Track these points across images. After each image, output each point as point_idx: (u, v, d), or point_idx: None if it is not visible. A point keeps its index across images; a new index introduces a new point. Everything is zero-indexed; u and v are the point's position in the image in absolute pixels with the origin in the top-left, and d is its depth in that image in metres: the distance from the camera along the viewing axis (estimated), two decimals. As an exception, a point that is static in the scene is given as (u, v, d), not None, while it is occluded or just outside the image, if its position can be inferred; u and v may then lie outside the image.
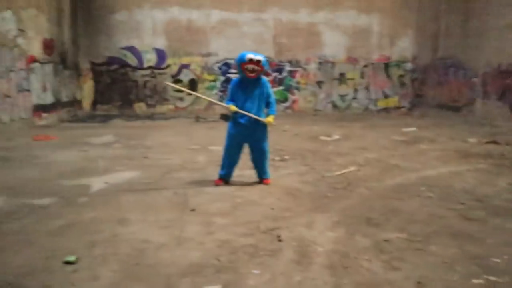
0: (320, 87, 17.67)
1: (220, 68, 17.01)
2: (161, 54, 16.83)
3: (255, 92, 5.62)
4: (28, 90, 12.15)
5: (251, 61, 5.42)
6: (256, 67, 5.45)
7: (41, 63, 12.95)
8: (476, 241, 3.86)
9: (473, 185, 5.81)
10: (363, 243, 3.79)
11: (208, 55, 16.96)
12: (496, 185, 5.83)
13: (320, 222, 4.33)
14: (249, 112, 5.55)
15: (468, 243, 3.81)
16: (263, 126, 5.66)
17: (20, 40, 11.64)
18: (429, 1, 16.67)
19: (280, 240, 3.82)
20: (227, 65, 16.65)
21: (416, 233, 4.02)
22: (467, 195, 5.32)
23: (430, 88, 16.81)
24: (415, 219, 4.45)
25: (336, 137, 10.39)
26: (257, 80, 5.62)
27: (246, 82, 5.62)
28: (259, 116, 5.61)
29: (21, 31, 11.66)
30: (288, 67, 17.42)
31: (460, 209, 4.78)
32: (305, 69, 17.54)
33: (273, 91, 15.65)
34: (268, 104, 5.73)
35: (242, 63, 5.47)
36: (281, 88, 17.45)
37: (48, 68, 13.44)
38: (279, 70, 17.39)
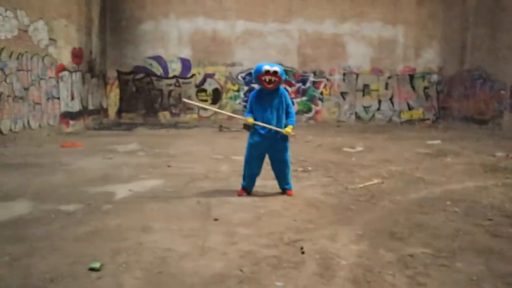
0: (344, 98, 17.60)
1: (244, 78, 17.12)
2: (186, 64, 17.04)
3: (274, 103, 5.64)
4: (57, 98, 12.45)
5: (267, 72, 5.45)
6: (273, 78, 5.47)
7: (70, 71, 13.26)
8: (504, 259, 3.76)
9: (500, 201, 5.67)
10: (387, 257, 3.74)
11: (233, 65, 17.11)
12: (525, 201, 5.68)
13: (344, 234, 4.29)
14: (269, 123, 5.57)
15: (496, 260, 3.71)
16: (284, 136, 5.66)
17: (51, 49, 11.95)
18: (455, 13, 16.49)
19: (303, 252, 3.79)
20: (251, 75, 16.72)
21: (441, 249, 3.95)
22: (494, 211, 5.20)
23: (456, 100, 16.56)
24: (440, 234, 4.37)
25: (360, 148, 10.31)
26: (276, 90, 5.64)
27: (264, 93, 5.65)
28: (279, 126, 5.61)
29: (52, 40, 11.97)
30: (312, 78, 17.41)
31: (487, 225, 4.67)
32: (329, 80, 17.50)
33: (297, 102, 15.76)
34: (287, 114, 5.73)
35: (259, 74, 5.51)
36: (304, 98, 17.45)
37: (76, 76, 13.75)
38: (303, 80, 17.40)
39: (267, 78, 5.47)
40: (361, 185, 6.41)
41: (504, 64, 13.54)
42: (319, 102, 17.56)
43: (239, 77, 17.20)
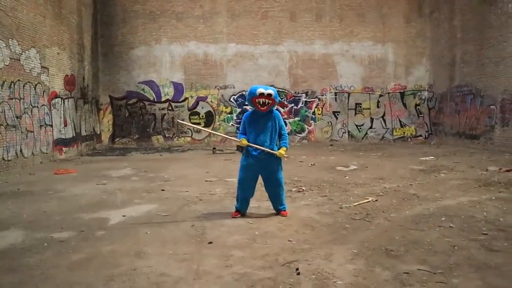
0: (336, 117, 17.71)
1: (236, 100, 17.22)
2: (178, 88, 17.14)
3: (267, 125, 5.66)
4: (50, 125, 12.43)
5: (262, 95, 5.49)
6: (267, 101, 5.51)
7: (63, 98, 13.28)
8: (501, 273, 3.75)
9: (495, 215, 5.68)
10: (383, 276, 3.72)
11: (225, 87, 17.22)
12: (519, 215, 5.69)
13: (339, 254, 4.26)
14: (262, 144, 5.58)
15: (492, 276, 3.70)
16: (277, 157, 5.67)
17: (43, 77, 11.99)
18: (443, 31, 16.77)
19: (298, 273, 3.76)
20: (243, 97, 16.85)
21: (437, 265, 3.93)
22: (489, 225, 5.20)
23: (447, 116, 16.70)
24: (436, 250, 4.35)
25: (353, 167, 10.34)
26: (269, 113, 5.68)
27: (258, 115, 5.68)
28: (272, 148, 5.63)
29: (44, 68, 12.02)
30: (304, 98, 17.55)
31: (483, 239, 4.67)
32: (321, 100, 17.64)
33: (289, 122, 15.90)
34: (280, 137, 5.75)
35: (253, 97, 5.54)
36: (297, 119, 17.53)
37: (69, 103, 13.77)
38: (295, 101, 17.52)
39: (261, 100, 5.51)
40: (356, 204, 6.40)
41: (492, 79, 13.73)
42: (312, 122, 17.66)
43: (232, 99, 17.30)
